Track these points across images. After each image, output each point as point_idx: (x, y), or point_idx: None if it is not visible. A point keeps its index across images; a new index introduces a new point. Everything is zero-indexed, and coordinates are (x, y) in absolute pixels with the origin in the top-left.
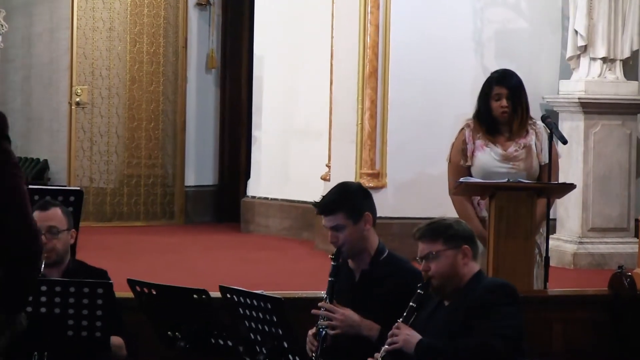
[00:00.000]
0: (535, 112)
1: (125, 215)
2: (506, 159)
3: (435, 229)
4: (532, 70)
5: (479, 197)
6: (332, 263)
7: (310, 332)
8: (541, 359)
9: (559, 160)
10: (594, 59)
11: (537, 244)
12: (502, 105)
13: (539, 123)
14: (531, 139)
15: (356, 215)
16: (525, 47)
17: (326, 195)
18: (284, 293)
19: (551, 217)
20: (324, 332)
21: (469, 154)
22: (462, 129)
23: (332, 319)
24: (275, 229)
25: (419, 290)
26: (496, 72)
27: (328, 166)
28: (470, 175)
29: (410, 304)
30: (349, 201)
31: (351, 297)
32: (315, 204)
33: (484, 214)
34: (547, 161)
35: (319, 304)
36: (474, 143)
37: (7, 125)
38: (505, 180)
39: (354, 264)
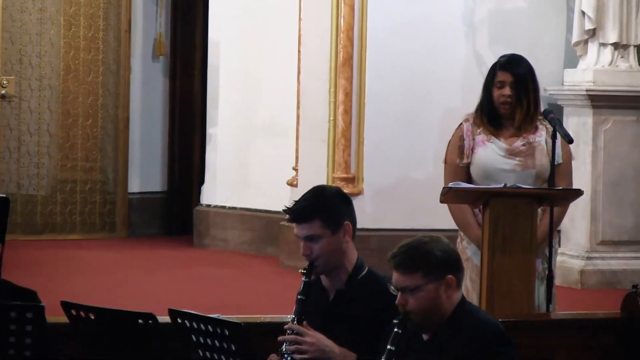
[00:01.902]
0: None
1: (58, 226)
2: (512, 153)
3: (414, 258)
4: (532, 58)
5: None
6: (303, 279)
7: (273, 357)
8: None
9: (573, 161)
10: (603, 44)
11: (546, 256)
12: (503, 93)
13: None
14: (541, 135)
15: (334, 224)
16: (524, 30)
17: (300, 199)
18: (244, 317)
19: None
20: (289, 359)
21: (467, 150)
22: (461, 124)
23: (301, 342)
24: (234, 243)
25: (396, 330)
26: (503, 56)
27: (295, 169)
28: (469, 176)
29: (388, 347)
30: (326, 207)
31: (323, 319)
32: (287, 209)
33: None
34: (560, 161)
35: (286, 327)
36: (473, 139)
37: None
38: (502, 185)
39: (328, 282)
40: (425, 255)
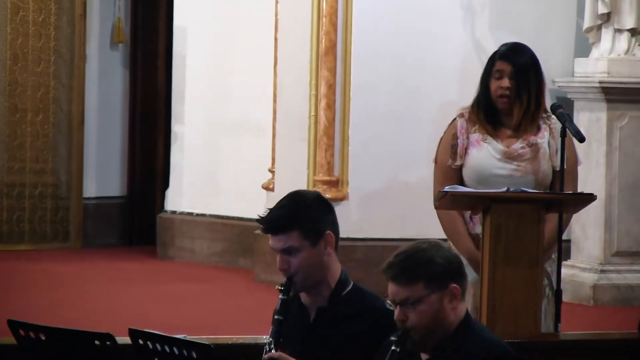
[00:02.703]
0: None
1: (4, 236)
2: (509, 157)
3: (413, 267)
4: (539, 46)
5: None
6: (280, 297)
7: None
8: None
9: (579, 166)
10: (619, 30)
11: (546, 272)
12: (501, 85)
13: (555, 117)
14: (543, 136)
15: (314, 235)
16: (530, 15)
17: (275, 207)
18: (214, 338)
19: (564, 238)
20: None
21: (459, 150)
22: (454, 119)
23: None
24: (203, 254)
25: (393, 347)
26: (505, 44)
27: (272, 171)
28: (461, 179)
29: None
30: (305, 216)
31: (304, 341)
32: (260, 219)
33: (478, 230)
34: (564, 166)
35: (264, 357)
36: (467, 137)
37: None
38: (505, 189)
39: (308, 299)
40: (426, 264)
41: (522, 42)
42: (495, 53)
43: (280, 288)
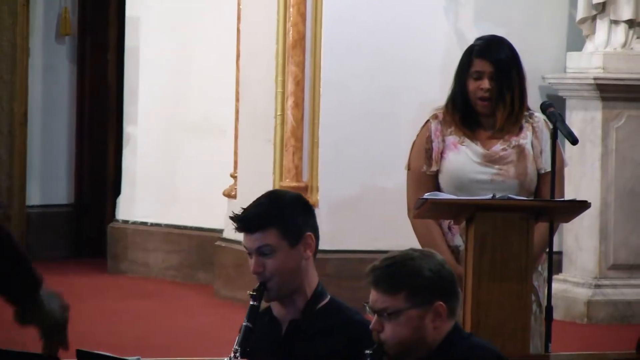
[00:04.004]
0: (533, 98)
1: None
2: (489, 160)
3: (397, 276)
4: (528, 39)
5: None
6: (252, 303)
7: None
8: None
9: (565, 168)
10: (615, 22)
11: (534, 287)
12: (481, 87)
13: (538, 115)
14: (526, 136)
15: (294, 235)
16: (518, 4)
17: (252, 204)
18: None
19: (555, 249)
20: None
21: (435, 155)
22: (427, 121)
23: None
24: (158, 267)
25: None
26: (480, 39)
27: (234, 177)
28: (438, 186)
29: None
30: (285, 214)
31: (274, 357)
32: (235, 216)
33: (458, 242)
34: (548, 168)
35: None
36: (443, 140)
37: None
38: (490, 195)
39: (281, 310)
40: (413, 274)
41: (508, 35)
42: (471, 49)
43: (252, 293)
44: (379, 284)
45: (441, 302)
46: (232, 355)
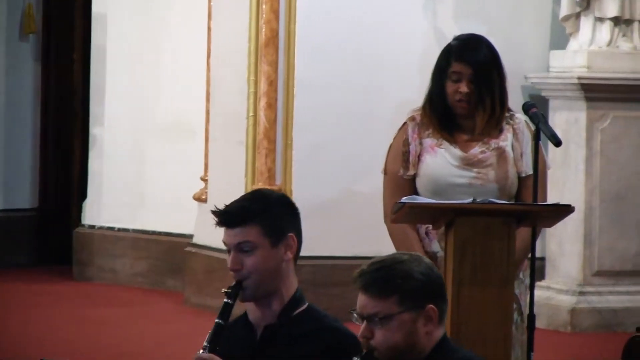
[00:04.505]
0: (514, 98)
1: None
2: (468, 163)
3: (388, 279)
4: (510, 37)
5: (429, 225)
6: (225, 300)
7: None
8: None
9: (548, 171)
10: (600, 19)
11: (515, 295)
12: (460, 90)
13: (519, 117)
14: (506, 138)
15: (276, 234)
16: (500, 2)
17: (236, 200)
18: None
19: (538, 255)
20: None
21: (412, 158)
22: (405, 123)
23: None
24: (126, 274)
25: None
26: (458, 38)
27: (204, 180)
28: (415, 190)
29: None
30: (268, 211)
31: None
32: (218, 210)
33: (435, 247)
34: (530, 172)
35: (194, 357)
36: (420, 143)
37: None
38: (470, 200)
39: (256, 314)
40: (403, 277)
41: (489, 33)
42: (448, 49)
43: (226, 291)
44: (368, 288)
45: (432, 306)
46: (201, 351)
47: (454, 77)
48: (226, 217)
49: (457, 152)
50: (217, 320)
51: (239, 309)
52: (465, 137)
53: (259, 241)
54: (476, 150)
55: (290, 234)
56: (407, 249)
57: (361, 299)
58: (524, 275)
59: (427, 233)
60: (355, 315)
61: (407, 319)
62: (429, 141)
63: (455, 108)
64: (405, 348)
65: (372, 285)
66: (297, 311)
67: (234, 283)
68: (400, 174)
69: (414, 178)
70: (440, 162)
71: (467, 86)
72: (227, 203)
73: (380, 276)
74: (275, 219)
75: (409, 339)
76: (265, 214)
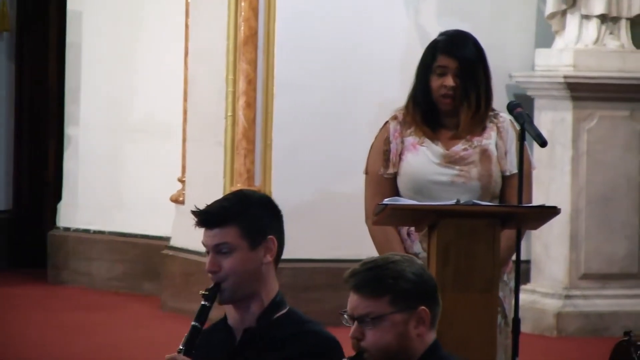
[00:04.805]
0: (499, 97)
1: None
2: (450, 161)
3: (381, 279)
4: (494, 35)
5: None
6: (203, 302)
7: None
8: None
9: (533, 172)
10: (587, 17)
11: (499, 298)
12: (445, 83)
13: (504, 115)
14: (490, 137)
15: (255, 236)
16: None
17: (217, 200)
18: None
19: (523, 258)
20: None
21: (393, 157)
22: (386, 122)
23: None
24: (102, 278)
25: None
26: (445, 33)
27: (182, 181)
28: (396, 190)
29: None
30: (248, 212)
31: None
32: (197, 210)
33: (417, 249)
34: (514, 170)
35: (166, 356)
36: (402, 142)
37: None
38: (454, 201)
39: (235, 317)
40: (396, 277)
41: (473, 30)
42: (434, 44)
43: (204, 293)
44: (360, 288)
45: (424, 307)
46: (177, 353)
47: (439, 72)
48: (205, 217)
49: (439, 149)
50: (193, 323)
51: (218, 312)
52: (448, 135)
53: (237, 243)
54: (459, 147)
55: (271, 237)
56: (389, 250)
57: (352, 299)
58: (508, 277)
59: (408, 234)
60: (345, 316)
61: (399, 320)
62: (410, 139)
63: (440, 104)
64: (397, 350)
65: (365, 285)
66: (278, 315)
67: (212, 285)
68: (381, 173)
69: (395, 177)
70: (421, 159)
71: (453, 80)
72: (207, 204)
73: (372, 276)
74: (254, 221)
75: (400, 340)
76: (244, 215)
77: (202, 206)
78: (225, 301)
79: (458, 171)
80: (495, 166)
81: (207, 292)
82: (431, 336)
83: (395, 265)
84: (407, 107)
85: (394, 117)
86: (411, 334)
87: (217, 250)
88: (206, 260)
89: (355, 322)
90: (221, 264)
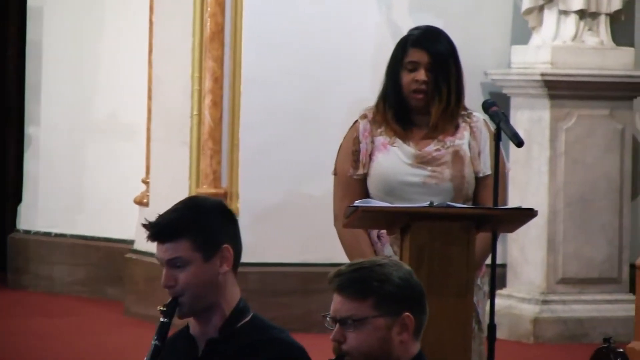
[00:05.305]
0: (474, 95)
1: None
2: (422, 161)
3: (366, 281)
4: (469, 31)
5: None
6: (162, 319)
7: None
8: None
9: (508, 172)
10: (565, 12)
11: (472, 303)
12: (417, 78)
13: (477, 115)
14: (463, 137)
15: (208, 247)
16: None
17: (168, 211)
18: None
19: (498, 261)
20: None
21: (363, 157)
22: (356, 121)
23: None
24: (64, 282)
25: None
26: (416, 28)
27: (146, 182)
28: (366, 191)
29: None
30: (199, 223)
31: None
32: (148, 223)
33: (388, 252)
34: (488, 172)
35: None
36: (372, 141)
37: None
38: (427, 203)
39: (197, 328)
40: (382, 280)
41: (446, 26)
42: (405, 39)
43: (162, 309)
44: (344, 289)
45: (409, 314)
46: None
47: (410, 66)
48: (155, 231)
49: (411, 149)
50: (154, 341)
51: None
52: (420, 134)
53: (191, 256)
54: (431, 147)
55: (226, 245)
56: (359, 253)
57: (336, 301)
58: (482, 281)
59: (379, 237)
60: (327, 319)
61: (382, 324)
62: (381, 139)
63: (411, 100)
64: (378, 355)
65: (349, 287)
66: (241, 323)
67: (169, 300)
68: (350, 174)
69: (365, 178)
70: (392, 160)
71: (425, 74)
72: (159, 214)
73: (357, 277)
74: (207, 232)
75: (382, 345)
76: (196, 227)
77: (157, 214)
78: (184, 315)
79: (430, 172)
80: (468, 167)
81: (165, 308)
82: (416, 347)
83: (382, 268)
84: (377, 106)
85: (364, 116)
86: (394, 340)
87: (171, 264)
88: (163, 272)
89: (337, 325)
90: (177, 278)
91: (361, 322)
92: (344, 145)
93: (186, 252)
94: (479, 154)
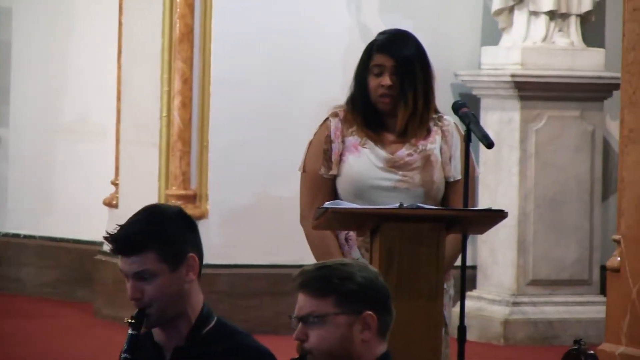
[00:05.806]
0: (444, 97)
1: None
2: (393, 166)
3: (328, 278)
4: (439, 32)
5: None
6: (130, 331)
7: None
8: None
9: (478, 177)
10: (535, 13)
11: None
12: (382, 83)
13: (448, 119)
14: (434, 141)
15: (174, 258)
16: None
17: (128, 222)
18: None
19: (468, 263)
20: None
21: (334, 157)
22: (327, 119)
23: None
24: (32, 284)
25: None
26: (383, 33)
27: (115, 184)
28: (335, 191)
29: None
30: (164, 234)
31: None
32: (109, 236)
33: (356, 254)
34: (458, 177)
35: None
36: (343, 141)
37: None
38: (397, 205)
39: (163, 337)
40: (344, 278)
41: (416, 27)
42: (372, 44)
43: (130, 321)
44: (306, 286)
45: (371, 312)
46: None
47: (375, 71)
48: (119, 245)
49: (383, 153)
50: (123, 354)
51: None
52: (391, 138)
53: (157, 268)
54: (403, 152)
55: (191, 254)
56: (326, 255)
57: (299, 300)
58: (448, 285)
59: (346, 239)
60: (292, 319)
61: (343, 322)
62: (352, 140)
63: (378, 104)
64: (340, 353)
65: (311, 284)
66: (206, 329)
67: (136, 312)
68: (321, 173)
69: (334, 178)
70: (363, 162)
71: (390, 78)
72: (120, 225)
73: (320, 275)
74: (172, 243)
75: (343, 343)
76: (161, 238)
77: (117, 225)
78: (152, 326)
79: (401, 177)
80: (439, 172)
81: (132, 320)
82: (381, 347)
83: (346, 267)
84: (347, 104)
85: (335, 114)
86: (355, 338)
87: (137, 277)
88: (128, 285)
89: (300, 323)
90: (143, 290)
91: (322, 320)
92: (314, 142)
93: (153, 264)
94: (450, 158)
